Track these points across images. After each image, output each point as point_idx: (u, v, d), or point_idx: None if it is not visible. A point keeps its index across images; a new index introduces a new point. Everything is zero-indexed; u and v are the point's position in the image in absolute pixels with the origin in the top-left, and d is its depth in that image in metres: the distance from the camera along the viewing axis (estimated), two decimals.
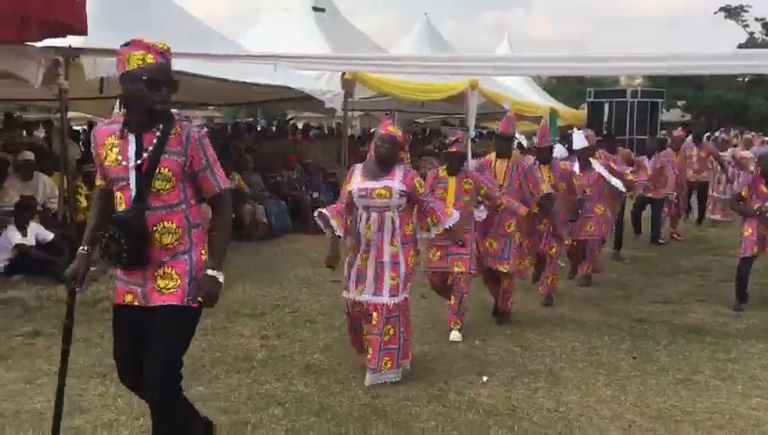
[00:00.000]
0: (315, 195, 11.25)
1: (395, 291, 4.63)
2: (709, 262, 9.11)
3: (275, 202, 10.75)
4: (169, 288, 2.93)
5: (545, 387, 4.63)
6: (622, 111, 21.02)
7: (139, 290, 2.96)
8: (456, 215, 4.91)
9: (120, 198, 2.95)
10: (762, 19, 48.78)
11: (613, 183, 7.71)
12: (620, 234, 9.41)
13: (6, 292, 6.31)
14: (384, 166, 4.67)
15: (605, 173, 7.67)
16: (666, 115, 27.51)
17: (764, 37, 49.42)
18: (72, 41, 7.32)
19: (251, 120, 22.79)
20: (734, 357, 5.32)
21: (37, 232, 7.00)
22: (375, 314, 4.62)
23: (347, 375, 4.73)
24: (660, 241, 10.48)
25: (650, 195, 10.09)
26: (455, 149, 5.74)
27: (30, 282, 6.58)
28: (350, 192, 4.70)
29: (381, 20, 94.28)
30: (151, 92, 2.87)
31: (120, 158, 2.91)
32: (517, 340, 5.65)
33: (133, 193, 2.91)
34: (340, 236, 4.61)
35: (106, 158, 2.95)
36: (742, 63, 7.36)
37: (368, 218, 4.64)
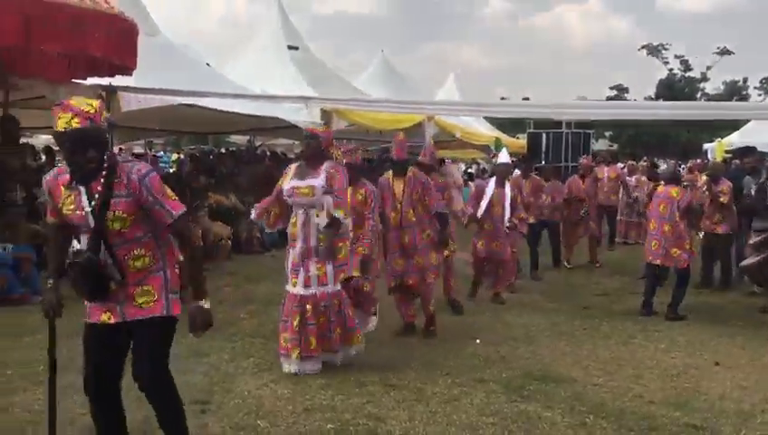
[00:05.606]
0: None
1: (324, 279, 5.00)
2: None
3: None
4: (149, 302, 3.17)
5: (523, 346, 6.21)
6: (558, 141, 23.20)
7: (117, 308, 3.16)
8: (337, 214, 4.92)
9: (85, 242, 3.14)
10: (681, 56, 53.00)
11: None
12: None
13: None
14: (311, 163, 4.99)
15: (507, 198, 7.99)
16: (596, 145, 30.08)
17: (683, 74, 53.57)
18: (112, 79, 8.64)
19: (200, 147, 20.77)
20: (660, 329, 7.00)
21: None
22: (308, 306, 4.98)
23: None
24: (567, 265, 10.77)
25: (544, 218, 10.18)
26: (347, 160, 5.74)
27: None
28: (281, 190, 5.09)
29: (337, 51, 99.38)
30: (77, 155, 2.98)
31: (74, 207, 3.09)
32: (498, 319, 7.27)
33: (91, 237, 3.09)
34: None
35: (63, 206, 3.13)
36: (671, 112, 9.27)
37: (295, 215, 5.04)
